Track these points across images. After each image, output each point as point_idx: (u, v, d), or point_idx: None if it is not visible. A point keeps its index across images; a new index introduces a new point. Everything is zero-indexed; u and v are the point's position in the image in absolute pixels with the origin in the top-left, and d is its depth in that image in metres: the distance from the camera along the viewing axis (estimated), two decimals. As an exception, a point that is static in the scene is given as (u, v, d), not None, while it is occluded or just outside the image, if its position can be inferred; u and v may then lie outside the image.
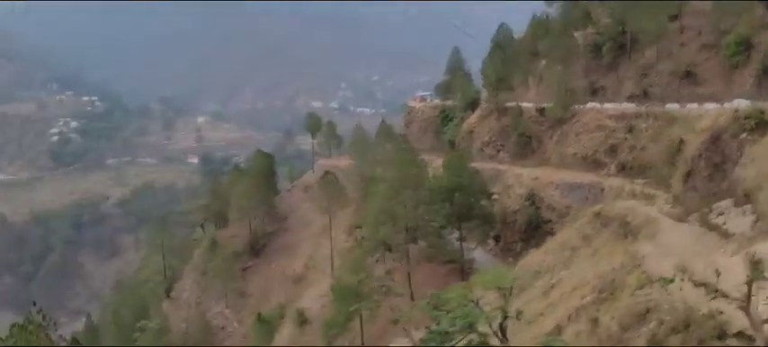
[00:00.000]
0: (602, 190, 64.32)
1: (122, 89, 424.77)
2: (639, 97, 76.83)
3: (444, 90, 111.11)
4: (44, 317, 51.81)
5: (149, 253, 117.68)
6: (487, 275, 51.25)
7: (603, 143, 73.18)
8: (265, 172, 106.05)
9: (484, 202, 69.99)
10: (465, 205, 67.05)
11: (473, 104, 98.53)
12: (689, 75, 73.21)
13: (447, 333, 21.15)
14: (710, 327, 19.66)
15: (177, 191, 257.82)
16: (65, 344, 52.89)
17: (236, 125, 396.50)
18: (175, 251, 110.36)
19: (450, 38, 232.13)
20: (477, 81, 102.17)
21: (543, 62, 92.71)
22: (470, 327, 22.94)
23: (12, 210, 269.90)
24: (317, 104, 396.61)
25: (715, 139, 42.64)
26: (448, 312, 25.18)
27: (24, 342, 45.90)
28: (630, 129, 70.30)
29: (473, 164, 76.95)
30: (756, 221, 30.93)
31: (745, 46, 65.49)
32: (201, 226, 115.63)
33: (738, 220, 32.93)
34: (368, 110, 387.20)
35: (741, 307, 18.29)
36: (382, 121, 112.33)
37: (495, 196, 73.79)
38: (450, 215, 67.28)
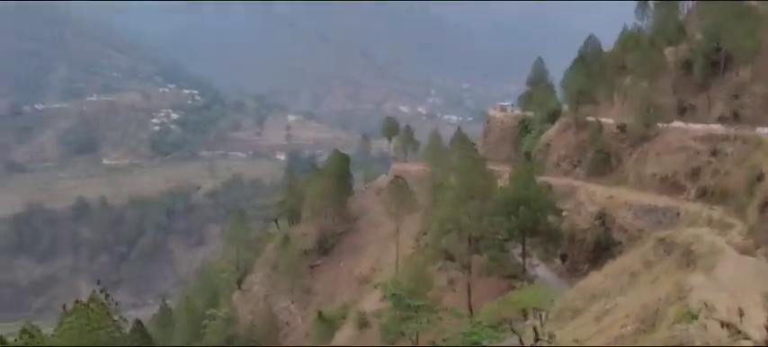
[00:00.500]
0: (678, 214, 60.35)
1: (220, 85, 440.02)
2: (730, 119, 72.14)
3: (526, 100, 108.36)
4: (107, 297, 53.56)
5: (227, 245, 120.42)
6: (526, 294, 49.33)
7: (685, 165, 68.72)
8: (340, 172, 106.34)
9: (551, 218, 67.08)
10: (530, 219, 64.38)
11: (553, 117, 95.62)
12: (786, 99, 68.24)
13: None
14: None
15: (263, 186, 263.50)
16: (123, 328, 54.52)
17: (325, 125, 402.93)
18: (250, 244, 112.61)
19: (547, 45, 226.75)
20: (561, 93, 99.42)
21: (629, 77, 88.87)
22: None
23: (112, 193, 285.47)
24: (404, 109, 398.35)
25: (798, 168, 39.18)
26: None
27: (84, 319, 47.49)
28: (715, 153, 65.63)
29: (546, 179, 74.58)
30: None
31: None
32: (275, 221, 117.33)
33: (811, 258, 30.04)
34: (455, 117, 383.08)
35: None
36: (458, 129, 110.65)
37: (564, 213, 70.77)
38: (515, 228, 65.01)
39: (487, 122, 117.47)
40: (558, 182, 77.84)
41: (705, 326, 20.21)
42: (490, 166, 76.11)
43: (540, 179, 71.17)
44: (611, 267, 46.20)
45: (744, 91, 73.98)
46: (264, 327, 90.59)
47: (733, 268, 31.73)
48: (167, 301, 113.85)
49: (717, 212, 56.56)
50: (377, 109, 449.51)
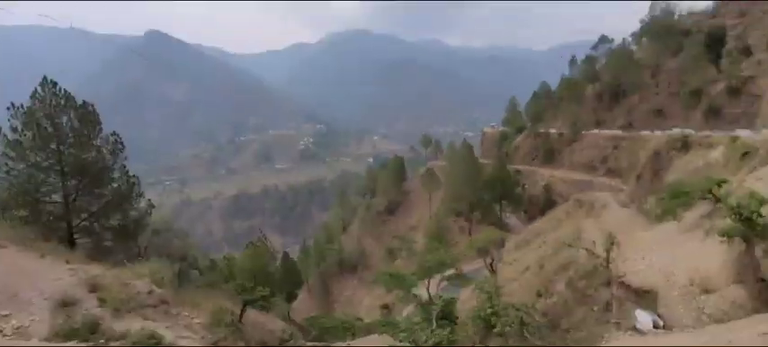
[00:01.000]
0: (591, 183, 58.33)
1: (331, 116, 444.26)
2: (626, 126, 68.95)
3: (505, 122, 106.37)
4: (265, 241, 55.79)
5: (337, 210, 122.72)
6: (483, 235, 47.97)
7: (598, 155, 66.39)
8: (397, 167, 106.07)
9: (517, 189, 66.10)
10: (504, 190, 63.80)
11: (520, 130, 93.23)
12: (659, 113, 64.51)
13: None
14: (602, 276, 17.69)
15: (359, 177, 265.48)
16: (276, 256, 56.99)
17: (396, 142, 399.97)
18: (350, 208, 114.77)
19: (517, 80, 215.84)
20: (525, 115, 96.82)
21: (564, 104, 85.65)
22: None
23: (281, 182, 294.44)
24: (440, 129, 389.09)
25: (656, 154, 37.31)
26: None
27: (253, 252, 50.04)
28: (616, 147, 63.22)
29: (515, 166, 72.94)
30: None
31: (697, 94, 56.30)
32: (364, 196, 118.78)
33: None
34: (470, 133, 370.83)
35: (603, 265, 16.76)
36: (464, 140, 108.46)
37: (525, 186, 69.35)
38: (496, 195, 64.37)
39: (483, 135, 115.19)
40: (524, 168, 76.46)
41: (578, 251, 20.15)
42: (482, 161, 75.13)
43: (511, 167, 69.96)
44: (548, 216, 45.32)
45: (634, 109, 70.56)
46: (357, 255, 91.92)
47: (614, 215, 30.89)
48: (307, 242, 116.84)
49: (615, 183, 54.45)
50: (424, 129, 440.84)
